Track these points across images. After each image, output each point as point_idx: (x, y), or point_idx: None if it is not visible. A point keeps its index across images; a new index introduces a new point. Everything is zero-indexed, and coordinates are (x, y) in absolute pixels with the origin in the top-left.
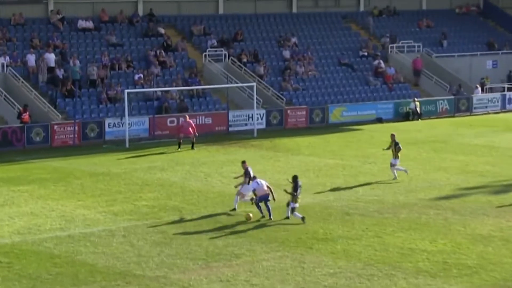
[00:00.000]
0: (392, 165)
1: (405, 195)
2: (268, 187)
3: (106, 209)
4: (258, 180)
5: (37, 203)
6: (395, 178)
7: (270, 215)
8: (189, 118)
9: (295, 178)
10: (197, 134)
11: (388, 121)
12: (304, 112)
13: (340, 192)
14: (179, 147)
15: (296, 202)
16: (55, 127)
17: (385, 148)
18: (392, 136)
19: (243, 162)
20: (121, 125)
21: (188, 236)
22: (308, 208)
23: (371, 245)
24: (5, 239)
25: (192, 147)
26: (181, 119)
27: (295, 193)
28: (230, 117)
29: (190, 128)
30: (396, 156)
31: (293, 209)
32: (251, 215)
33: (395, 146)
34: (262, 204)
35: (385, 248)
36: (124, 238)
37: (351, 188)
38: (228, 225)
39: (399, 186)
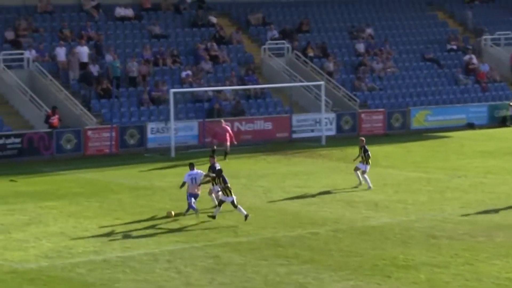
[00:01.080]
0: (356, 169)
1: (502, 215)
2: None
3: (148, 229)
4: (196, 171)
5: (67, 222)
6: (360, 183)
7: (186, 211)
8: (246, 123)
9: (219, 172)
10: (235, 142)
11: (481, 127)
12: (381, 116)
13: (423, 211)
14: (225, 157)
15: (229, 195)
16: (89, 132)
17: (354, 158)
18: (361, 141)
19: (211, 157)
20: (165, 131)
21: (244, 261)
22: (386, 230)
23: (461, 274)
24: (31, 263)
25: (225, 157)
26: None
27: (226, 185)
28: (294, 122)
29: (227, 135)
30: (366, 162)
31: (221, 202)
32: (172, 212)
33: (364, 153)
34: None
35: (478, 277)
36: (169, 264)
37: (437, 206)
38: (291, 249)
39: (494, 204)
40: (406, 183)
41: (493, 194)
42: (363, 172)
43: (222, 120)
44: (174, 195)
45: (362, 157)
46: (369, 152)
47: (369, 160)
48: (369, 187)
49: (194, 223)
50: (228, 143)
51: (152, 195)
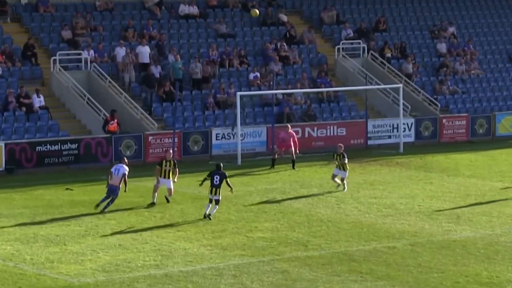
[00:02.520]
0: (334, 176)
1: None
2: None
3: (213, 242)
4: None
5: (126, 234)
6: (338, 186)
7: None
8: (318, 128)
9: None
10: (298, 152)
11: None
12: (464, 122)
13: (510, 224)
14: (272, 166)
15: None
16: (150, 138)
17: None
18: (340, 147)
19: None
20: (232, 137)
21: (315, 277)
22: (469, 244)
23: None
24: (88, 277)
25: (293, 167)
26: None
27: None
28: (370, 128)
29: (291, 142)
30: (342, 168)
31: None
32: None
33: (342, 160)
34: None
35: None
36: (235, 279)
37: None
38: (366, 265)
39: None
40: (491, 194)
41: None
42: (343, 179)
43: (289, 126)
44: (240, 205)
45: (337, 163)
46: (346, 159)
47: (346, 166)
48: (338, 186)
49: (261, 235)
50: (293, 150)
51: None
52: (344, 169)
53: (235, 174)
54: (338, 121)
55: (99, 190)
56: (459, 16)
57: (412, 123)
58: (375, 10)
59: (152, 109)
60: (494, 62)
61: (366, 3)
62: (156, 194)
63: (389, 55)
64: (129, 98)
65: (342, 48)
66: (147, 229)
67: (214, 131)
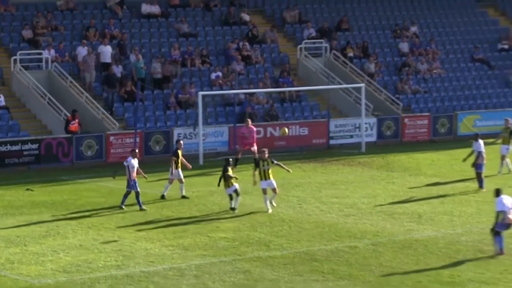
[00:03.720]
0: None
1: None
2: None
3: (174, 242)
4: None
5: (87, 234)
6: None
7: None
8: (280, 128)
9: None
10: (255, 148)
11: None
12: (426, 121)
13: (471, 223)
14: (235, 165)
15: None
16: (111, 138)
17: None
18: (263, 152)
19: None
20: (193, 137)
21: (277, 277)
22: (430, 243)
23: None
24: (48, 278)
25: (236, 164)
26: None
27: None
28: (332, 127)
29: (251, 139)
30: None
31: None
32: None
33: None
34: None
35: None
36: (197, 279)
37: (485, 218)
38: (327, 264)
39: None
40: (452, 193)
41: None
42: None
43: (249, 120)
44: (202, 205)
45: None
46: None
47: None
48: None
49: (223, 235)
50: (255, 148)
51: (179, 206)
52: (268, 178)
53: (197, 174)
54: (300, 120)
55: (59, 191)
56: (421, 16)
57: (374, 123)
58: (338, 9)
59: (114, 109)
60: (456, 62)
61: (328, 3)
62: (169, 186)
63: (351, 54)
64: (90, 98)
65: (305, 48)
66: (109, 230)
67: (176, 131)
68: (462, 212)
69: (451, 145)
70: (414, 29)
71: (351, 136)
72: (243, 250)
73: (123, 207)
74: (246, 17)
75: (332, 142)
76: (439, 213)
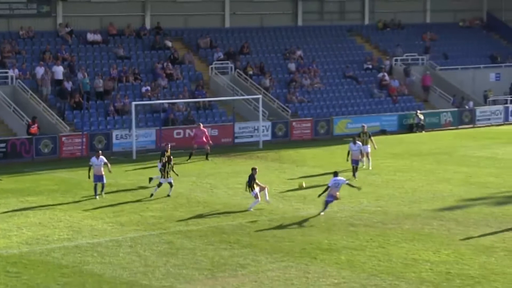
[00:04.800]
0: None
1: (409, 206)
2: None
3: (113, 220)
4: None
5: (45, 214)
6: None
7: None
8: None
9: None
10: (211, 142)
11: (392, 133)
12: (309, 124)
13: (344, 203)
14: (190, 157)
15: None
16: (63, 138)
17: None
18: (166, 145)
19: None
20: (128, 137)
21: (194, 246)
22: (313, 219)
23: (375, 256)
24: (14, 249)
25: (207, 158)
26: (186, 130)
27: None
28: (236, 129)
29: (204, 138)
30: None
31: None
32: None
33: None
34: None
35: (389, 258)
36: (131, 249)
37: (355, 199)
38: (233, 236)
39: (403, 197)
40: (329, 180)
41: (401, 189)
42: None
43: (201, 124)
44: (135, 191)
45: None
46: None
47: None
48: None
49: (152, 214)
50: (206, 144)
51: (117, 192)
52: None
53: (132, 167)
54: (212, 124)
55: (22, 180)
56: (305, 42)
57: (269, 126)
58: (240, 37)
59: (65, 115)
60: (331, 78)
61: (233, 32)
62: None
63: (251, 72)
64: (47, 107)
65: (215, 67)
66: (62, 210)
67: (114, 133)
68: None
69: (328, 143)
70: (299, 52)
71: (251, 136)
72: (168, 226)
73: (97, 197)
74: (169, 43)
75: (236, 141)
76: (316, 196)
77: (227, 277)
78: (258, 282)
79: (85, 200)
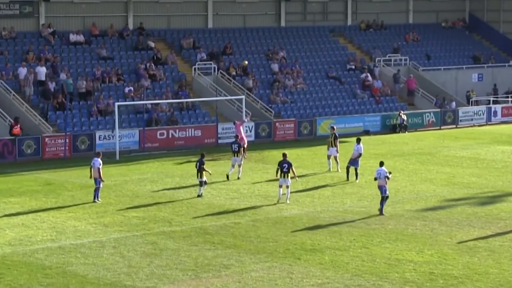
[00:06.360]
0: None
1: (392, 206)
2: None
3: (97, 221)
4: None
5: (28, 215)
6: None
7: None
8: (179, 130)
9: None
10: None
11: (375, 133)
12: (292, 125)
13: (328, 203)
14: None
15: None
16: (46, 139)
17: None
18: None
19: None
20: (111, 138)
21: (178, 247)
22: (296, 219)
23: (358, 256)
24: None
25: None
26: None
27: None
28: (219, 130)
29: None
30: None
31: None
32: None
33: None
34: None
35: (372, 258)
36: (115, 249)
37: (338, 199)
38: (217, 237)
39: None
40: (313, 180)
41: None
42: None
43: (237, 122)
44: (119, 191)
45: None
46: None
47: None
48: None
49: (135, 215)
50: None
51: (100, 192)
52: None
53: (114, 168)
54: (195, 124)
55: (5, 181)
56: (288, 43)
57: (252, 126)
58: (223, 38)
59: (48, 116)
60: (315, 78)
61: (216, 33)
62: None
63: (234, 73)
64: (30, 108)
65: (198, 68)
66: (45, 211)
67: (98, 133)
68: (321, 195)
69: (312, 143)
70: (282, 53)
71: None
72: (151, 226)
73: (97, 201)
74: (151, 44)
75: (220, 141)
76: (303, 196)
77: (211, 278)
78: (242, 283)
79: (68, 201)
